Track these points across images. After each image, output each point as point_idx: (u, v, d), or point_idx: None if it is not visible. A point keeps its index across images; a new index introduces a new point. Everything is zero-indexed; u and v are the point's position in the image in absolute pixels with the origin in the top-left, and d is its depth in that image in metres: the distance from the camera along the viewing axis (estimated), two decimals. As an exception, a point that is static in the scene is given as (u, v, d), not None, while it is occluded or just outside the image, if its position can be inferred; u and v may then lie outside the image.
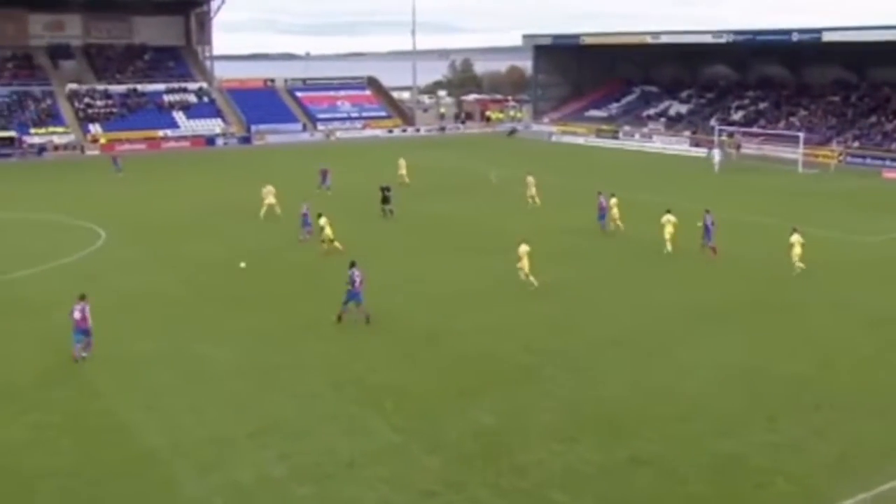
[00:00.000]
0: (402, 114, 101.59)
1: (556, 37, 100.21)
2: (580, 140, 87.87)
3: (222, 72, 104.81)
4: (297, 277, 32.90)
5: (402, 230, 41.57)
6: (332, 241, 35.83)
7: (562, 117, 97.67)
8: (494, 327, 26.50)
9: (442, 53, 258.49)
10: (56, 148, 77.92)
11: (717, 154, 65.88)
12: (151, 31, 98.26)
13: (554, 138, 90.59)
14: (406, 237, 39.98)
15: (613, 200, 40.30)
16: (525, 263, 30.58)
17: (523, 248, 30.80)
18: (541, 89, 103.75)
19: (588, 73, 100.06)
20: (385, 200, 44.27)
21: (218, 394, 21.41)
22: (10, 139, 78.06)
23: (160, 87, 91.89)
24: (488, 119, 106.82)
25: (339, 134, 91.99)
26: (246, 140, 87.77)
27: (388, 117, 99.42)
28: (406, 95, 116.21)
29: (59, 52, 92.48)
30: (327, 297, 29.61)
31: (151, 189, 56.28)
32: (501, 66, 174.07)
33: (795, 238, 32.35)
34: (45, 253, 36.45)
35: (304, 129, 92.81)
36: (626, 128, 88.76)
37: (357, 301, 26.94)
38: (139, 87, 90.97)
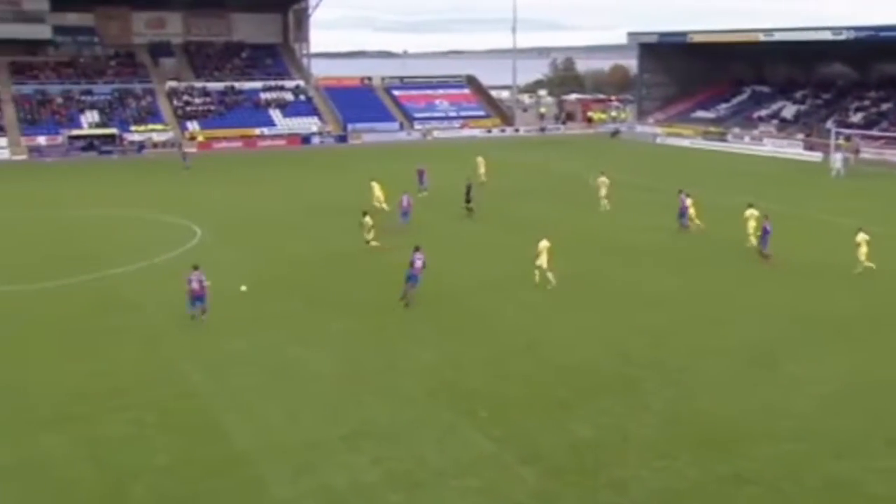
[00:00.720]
0: (502, 113, 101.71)
1: (662, 34, 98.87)
2: (686, 142, 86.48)
3: (319, 70, 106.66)
4: (393, 278, 33.20)
5: (490, 230, 41.55)
6: (368, 241, 37.04)
7: (667, 118, 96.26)
8: (590, 335, 26.33)
9: (543, 51, 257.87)
10: (155, 145, 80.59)
11: (838, 159, 63.82)
12: (249, 28, 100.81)
13: (658, 140, 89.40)
14: (495, 238, 39.90)
15: (689, 201, 41.08)
16: (544, 260, 31.13)
17: (543, 244, 31.43)
18: (646, 89, 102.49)
19: (696, 72, 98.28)
20: (468, 199, 45.63)
21: (311, 396, 21.83)
22: (112, 136, 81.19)
23: (257, 84, 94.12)
24: (590, 120, 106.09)
25: (436, 133, 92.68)
26: (342, 139, 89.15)
27: (487, 117, 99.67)
28: (505, 95, 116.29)
29: (159, 50, 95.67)
30: (423, 300, 29.97)
31: (247, 187, 57.71)
32: (604, 64, 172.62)
33: (861, 237, 33.18)
34: (144, 250, 37.76)
35: (402, 128, 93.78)
36: (736, 130, 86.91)
37: (412, 283, 29.34)
38: (237, 84, 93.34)
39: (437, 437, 19.41)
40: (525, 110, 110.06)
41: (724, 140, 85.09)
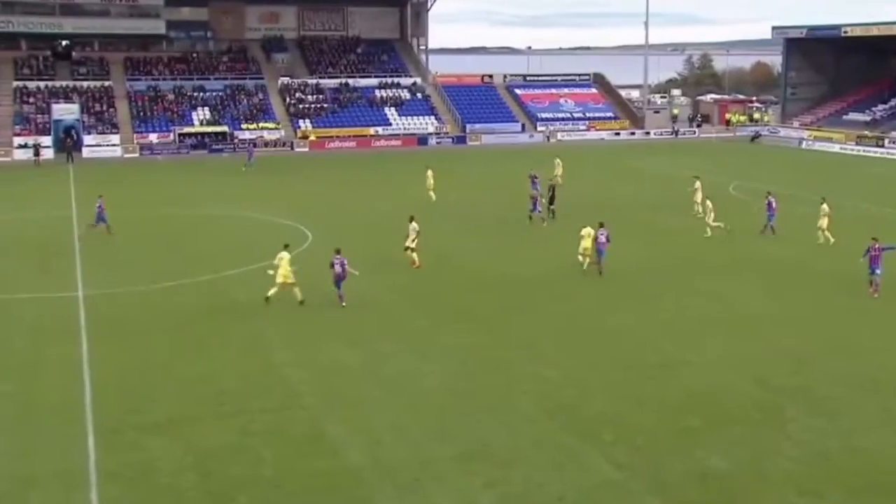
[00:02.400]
0: (631, 115, 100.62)
1: (811, 28, 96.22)
2: (836, 147, 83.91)
3: (437, 66, 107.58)
4: (518, 289, 33.28)
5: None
6: (409, 249, 36.31)
7: (815, 121, 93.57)
8: (727, 358, 25.70)
9: (677, 47, 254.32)
10: (266, 144, 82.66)
11: None
12: (366, 22, 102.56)
13: (805, 145, 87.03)
14: (627, 250, 39.42)
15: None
16: (586, 245, 34.82)
17: (586, 231, 35.05)
18: (791, 89, 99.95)
19: (849, 69, 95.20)
20: (551, 200, 46.78)
21: (423, 411, 21.95)
22: (223, 134, 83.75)
23: (373, 81, 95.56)
24: (728, 122, 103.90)
25: (560, 136, 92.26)
26: (461, 140, 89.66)
27: (615, 119, 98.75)
28: (635, 94, 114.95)
29: (272, 45, 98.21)
30: (547, 314, 30.03)
31: (361, 189, 58.69)
32: (745, 62, 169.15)
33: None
34: (255, 252, 38.63)
35: (523, 129, 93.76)
36: (895, 134, 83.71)
37: (600, 256, 34.56)
38: (351, 81, 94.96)
39: (556, 461, 19.24)
40: (656, 112, 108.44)
41: (882, 146, 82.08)
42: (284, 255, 30.86)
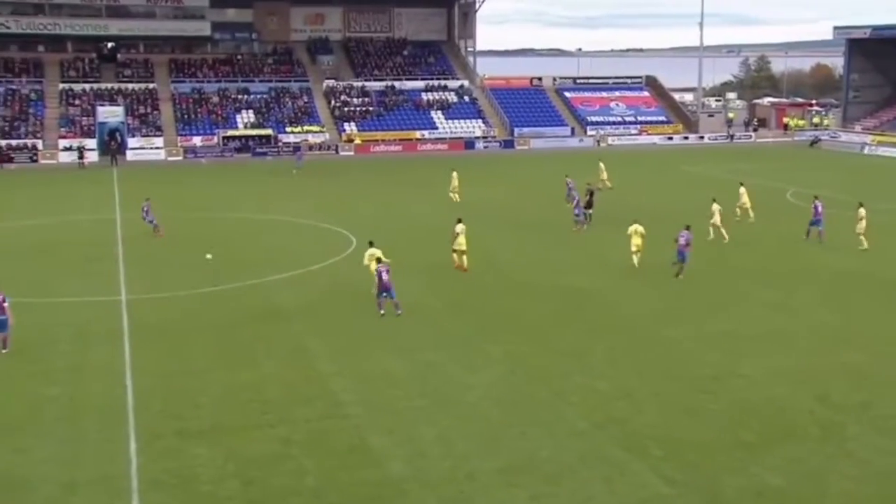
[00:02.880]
0: (684, 119, 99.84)
1: (876, 28, 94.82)
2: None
3: (485, 68, 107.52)
4: (567, 296, 33.16)
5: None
6: (462, 252, 36.34)
7: (879, 125, 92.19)
8: (786, 372, 25.34)
9: (733, 49, 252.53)
10: (310, 147, 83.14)
11: None
12: (412, 24, 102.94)
13: (867, 150, 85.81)
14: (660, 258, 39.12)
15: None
16: (637, 242, 35.59)
17: (634, 228, 35.85)
18: (853, 91, 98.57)
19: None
20: (589, 204, 46.85)
21: (468, 423, 21.90)
22: (268, 137, 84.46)
23: (419, 84, 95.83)
24: (786, 126, 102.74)
25: (611, 140, 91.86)
26: (508, 144, 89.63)
27: (668, 123, 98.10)
28: (689, 98, 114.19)
29: (318, 47, 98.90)
30: (597, 323, 29.90)
31: (406, 193, 58.90)
32: (804, 63, 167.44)
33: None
34: (299, 257, 39.03)
35: (573, 133, 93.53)
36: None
37: (681, 259, 34.71)
38: (397, 84, 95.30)
39: (604, 476, 19.12)
40: (711, 115, 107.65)
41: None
42: (376, 252, 32.26)
